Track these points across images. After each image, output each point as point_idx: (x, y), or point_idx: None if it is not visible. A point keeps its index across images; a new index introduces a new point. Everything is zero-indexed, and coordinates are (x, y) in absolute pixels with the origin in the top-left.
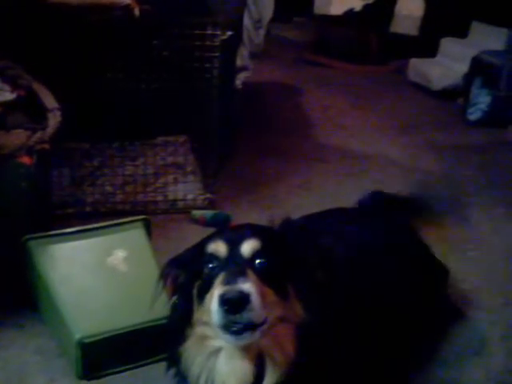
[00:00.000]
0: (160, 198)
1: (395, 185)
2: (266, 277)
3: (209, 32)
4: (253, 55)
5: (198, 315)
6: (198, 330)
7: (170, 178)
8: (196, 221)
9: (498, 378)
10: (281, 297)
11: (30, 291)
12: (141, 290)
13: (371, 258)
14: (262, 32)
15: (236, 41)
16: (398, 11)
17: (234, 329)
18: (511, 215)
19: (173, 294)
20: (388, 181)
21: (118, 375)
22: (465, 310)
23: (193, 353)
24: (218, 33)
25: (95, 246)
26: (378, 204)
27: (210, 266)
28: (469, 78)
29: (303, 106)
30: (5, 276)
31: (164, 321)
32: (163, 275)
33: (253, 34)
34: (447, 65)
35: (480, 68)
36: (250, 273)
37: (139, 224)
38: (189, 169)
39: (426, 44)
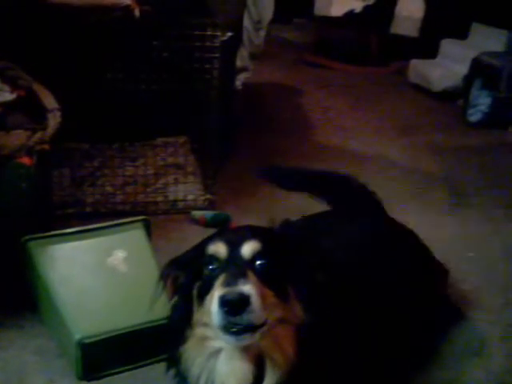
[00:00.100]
0: (160, 198)
1: (395, 186)
2: (266, 278)
3: (209, 33)
4: (253, 56)
5: (197, 316)
6: (198, 330)
7: (170, 178)
8: (196, 221)
9: (498, 379)
10: (281, 298)
11: (29, 291)
12: (141, 290)
13: (371, 258)
14: (262, 33)
15: (236, 42)
16: (399, 12)
17: (234, 330)
18: (511, 216)
19: (173, 295)
20: (388, 182)
21: (117, 376)
22: (465, 310)
23: (193, 353)
24: (218, 34)
25: (95, 247)
26: None
27: (210, 267)
28: (469, 79)
29: (303, 107)
30: (5, 276)
31: (164, 321)
32: (163, 276)
33: (253, 34)
34: (447, 66)
35: (480, 69)
36: (250, 274)
37: (139, 224)
38: (189, 169)
39: (426, 45)
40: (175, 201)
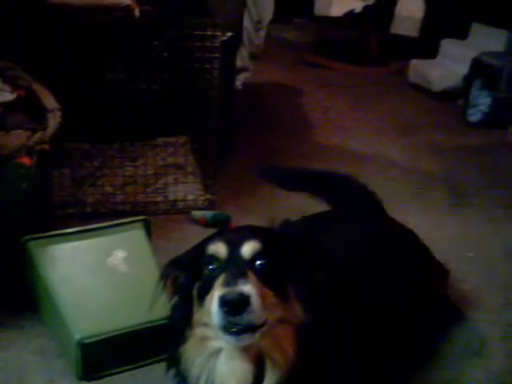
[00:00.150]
0: (160, 198)
1: (395, 186)
2: (266, 278)
3: (209, 33)
4: (253, 56)
5: (197, 316)
6: (198, 330)
7: (171, 178)
8: (196, 221)
9: (498, 379)
10: (281, 298)
11: (29, 292)
12: (141, 290)
13: (371, 258)
14: (262, 33)
15: (236, 42)
16: (399, 12)
17: (234, 330)
18: (511, 216)
19: (173, 295)
20: (388, 182)
21: (117, 376)
22: (465, 310)
23: (193, 354)
24: (218, 34)
25: (95, 247)
26: None
27: (211, 267)
28: (469, 79)
29: (303, 107)
30: (5, 276)
31: (164, 321)
32: (163, 276)
33: (253, 34)
34: (447, 66)
35: (480, 69)
36: (250, 274)
37: (139, 224)
38: (189, 169)
39: (426, 45)
40: (175, 201)
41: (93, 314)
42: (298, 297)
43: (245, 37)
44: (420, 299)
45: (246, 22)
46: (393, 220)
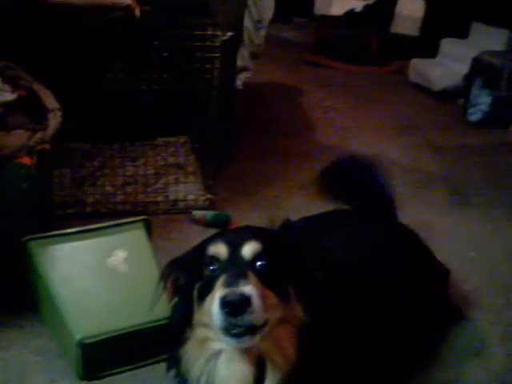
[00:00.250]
0: (161, 198)
1: (395, 185)
2: (266, 279)
3: (209, 33)
4: (253, 56)
5: (198, 317)
6: (199, 332)
7: (171, 178)
8: (196, 221)
9: (499, 379)
10: (281, 299)
11: (30, 292)
12: (141, 290)
13: (371, 259)
14: (262, 33)
15: (236, 41)
16: (399, 12)
17: (235, 331)
18: None
19: (173, 296)
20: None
21: (118, 376)
22: (466, 310)
23: (193, 355)
24: (219, 33)
25: (96, 247)
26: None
27: (211, 268)
28: (469, 78)
29: (303, 106)
30: (5, 276)
31: (164, 321)
32: (163, 277)
33: (253, 34)
34: (448, 65)
35: (480, 69)
36: (250, 275)
37: (140, 224)
38: (189, 169)
39: (426, 45)
40: (176, 201)
41: (93, 314)
42: (298, 297)
43: (245, 36)
44: (420, 299)
45: (247, 22)
46: (393, 221)
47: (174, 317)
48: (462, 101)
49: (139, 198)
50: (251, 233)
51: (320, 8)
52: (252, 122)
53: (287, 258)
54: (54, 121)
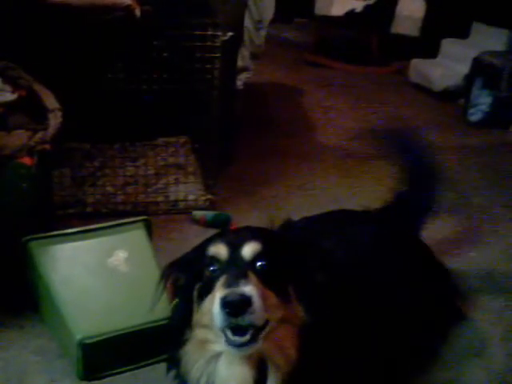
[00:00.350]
0: (161, 198)
1: (395, 186)
2: (267, 279)
3: (210, 33)
4: (254, 56)
5: (197, 317)
6: (198, 333)
7: (171, 178)
8: (197, 221)
9: (499, 379)
10: (282, 299)
11: (30, 292)
12: (142, 290)
13: (371, 259)
14: (263, 33)
15: (237, 41)
16: (399, 12)
17: (237, 341)
18: None
19: (173, 297)
20: (388, 182)
21: (118, 376)
22: (465, 310)
23: (193, 356)
24: (219, 33)
25: (96, 247)
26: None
27: (211, 268)
28: (470, 78)
29: (304, 106)
30: (5, 276)
31: (165, 322)
32: (164, 277)
33: (254, 34)
34: (448, 66)
35: (481, 69)
36: (251, 275)
37: (140, 225)
38: (190, 169)
39: (426, 45)
40: (176, 201)
41: (94, 314)
42: (299, 297)
43: (246, 37)
44: (420, 299)
45: (247, 22)
46: (393, 221)
47: (174, 317)
48: (462, 101)
49: (139, 198)
50: (251, 233)
51: (320, 8)
52: (252, 122)
53: (287, 258)
54: (55, 121)
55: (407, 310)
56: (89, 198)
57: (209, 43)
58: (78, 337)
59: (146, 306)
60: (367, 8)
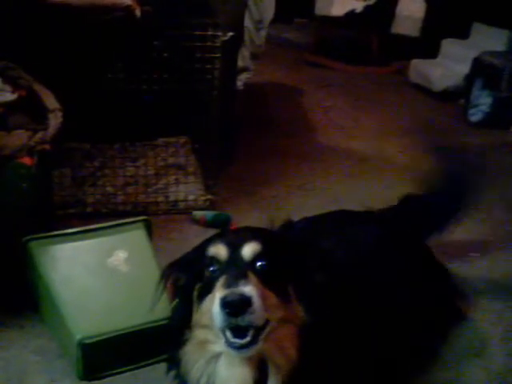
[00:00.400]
0: (161, 198)
1: (395, 185)
2: (267, 279)
3: (210, 33)
4: (254, 56)
5: (196, 317)
6: (198, 333)
7: (171, 178)
8: (197, 221)
9: (499, 379)
10: (282, 299)
11: (30, 292)
12: (142, 290)
13: (372, 259)
14: (263, 33)
15: (237, 42)
16: (399, 12)
17: (237, 344)
18: None
19: (173, 297)
20: (388, 182)
21: (118, 376)
22: (465, 310)
23: (193, 357)
24: (219, 34)
25: (96, 247)
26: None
27: (211, 268)
28: (470, 79)
29: (304, 107)
30: (6, 276)
31: (165, 322)
32: (164, 277)
33: (254, 34)
34: (448, 66)
35: (481, 69)
36: (251, 275)
37: (140, 225)
38: (190, 170)
39: (427, 45)
40: (176, 201)
41: (94, 314)
42: (299, 297)
43: (246, 37)
44: (421, 299)
45: (247, 22)
46: (393, 221)
47: (174, 317)
48: (462, 101)
49: (140, 199)
50: (251, 233)
51: (320, 8)
52: (252, 122)
53: (287, 259)
54: (55, 121)
55: (407, 309)
56: (89, 198)
57: (209, 43)
58: (78, 337)
59: (146, 306)
60: (367, 8)
